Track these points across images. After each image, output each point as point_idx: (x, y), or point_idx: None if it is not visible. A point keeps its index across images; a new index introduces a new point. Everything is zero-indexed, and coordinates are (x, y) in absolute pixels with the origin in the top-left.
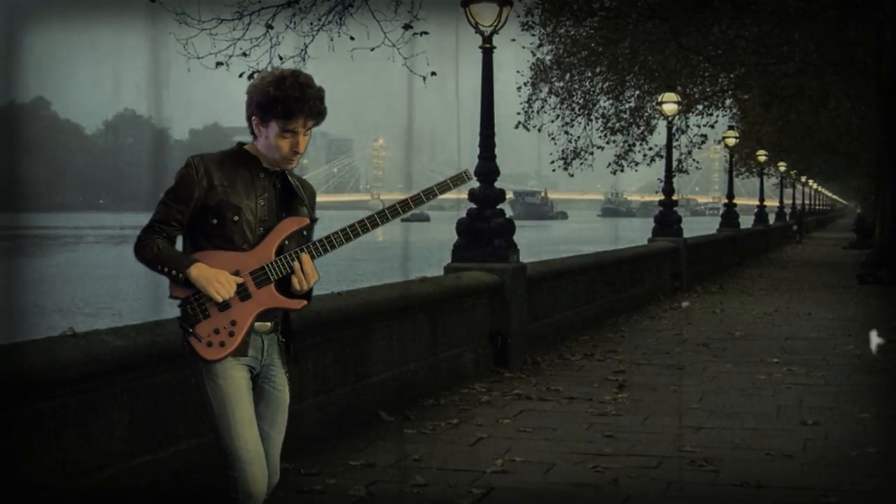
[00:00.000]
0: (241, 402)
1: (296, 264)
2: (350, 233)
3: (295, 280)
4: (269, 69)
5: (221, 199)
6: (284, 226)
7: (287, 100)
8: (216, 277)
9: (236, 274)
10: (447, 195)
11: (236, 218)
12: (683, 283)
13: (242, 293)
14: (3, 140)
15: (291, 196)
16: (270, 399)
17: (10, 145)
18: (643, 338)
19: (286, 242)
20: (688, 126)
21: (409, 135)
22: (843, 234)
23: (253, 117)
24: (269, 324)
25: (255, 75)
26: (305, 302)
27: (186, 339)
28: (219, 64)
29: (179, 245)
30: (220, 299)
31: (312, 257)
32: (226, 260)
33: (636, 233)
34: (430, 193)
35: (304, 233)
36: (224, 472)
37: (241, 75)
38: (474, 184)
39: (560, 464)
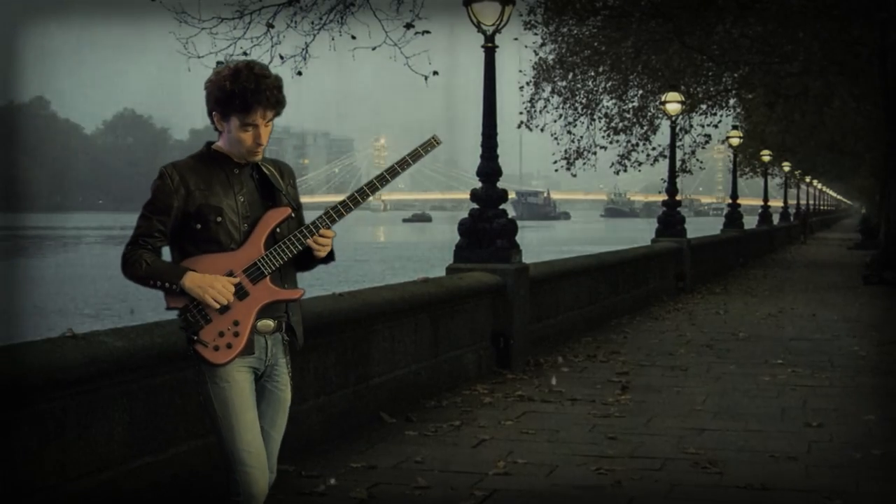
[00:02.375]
0: (245, 405)
1: (311, 241)
2: (334, 214)
3: (316, 253)
4: (225, 62)
5: (201, 204)
6: (268, 218)
7: (244, 93)
8: (211, 284)
9: (230, 274)
10: (449, 195)
11: (219, 219)
12: (687, 283)
13: (240, 292)
14: (2, 140)
15: (269, 186)
16: (272, 398)
17: (9, 145)
18: (646, 339)
19: (278, 231)
20: (691, 126)
21: (410, 134)
22: (848, 234)
23: (214, 113)
24: (271, 323)
25: (214, 68)
26: (303, 291)
27: (193, 347)
28: (219, 63)
29: (166, 256)
30: (218, 306)
31: (303, 242)
32: (217, 262)
33: (639, 233)
34: (404, 163)
35: (292, 216)
36: (225, 474)
37: None
38: (476, 184)
39: (563, 466)
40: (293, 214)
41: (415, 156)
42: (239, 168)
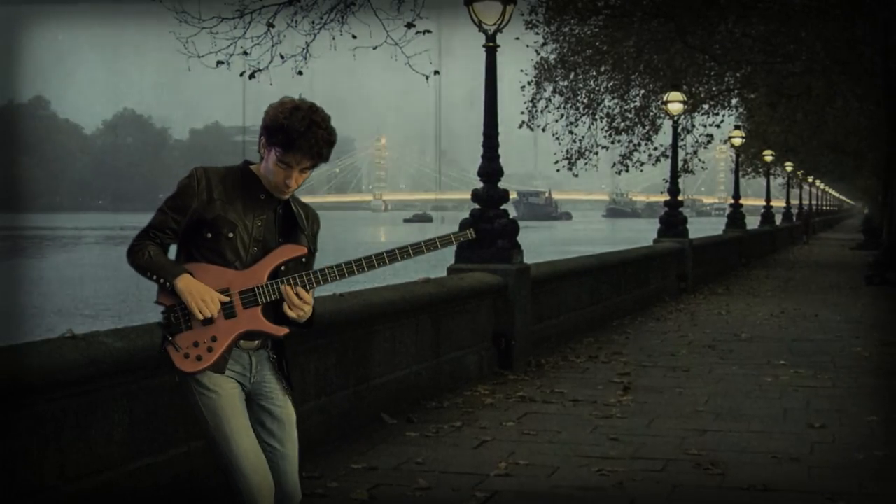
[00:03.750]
0: (235, 412)
1: (285, 288)
2: (346, 270)
3: (286, 307)
4: (300, 97)
5: (218, 214)
6: (281, 252)
7: (290, 132)
8: (201, 294)
9: (225, 291)
10: (450, 195)
11: (231, 234)
12: (689, 284)
13: (228, 311)
14: (1, 140)
15: (292, 224)
16: (276, 416)
17: (8, 145)
18: (648, 339)
19: (282, 268)
20: (693, 126)
21: (411, 135)
22: (851, 234)
23: (262, 137)
24: (255, 341)
25: (277, 103)
26: (287, 330)
27: (164, 347)
28: (219, 63)
29: (172, 254)
30: (201, 317)
31: (306, 289)
32: (217, 275)
33: (641, 233)
34: (431, 245)
35: (303, 260)
36: (226, 484)
37: (241, 74)
38: (478, 184)
39: (564, 467)
40: (304, 259)
41: (445, 241)
42: (266, 194)
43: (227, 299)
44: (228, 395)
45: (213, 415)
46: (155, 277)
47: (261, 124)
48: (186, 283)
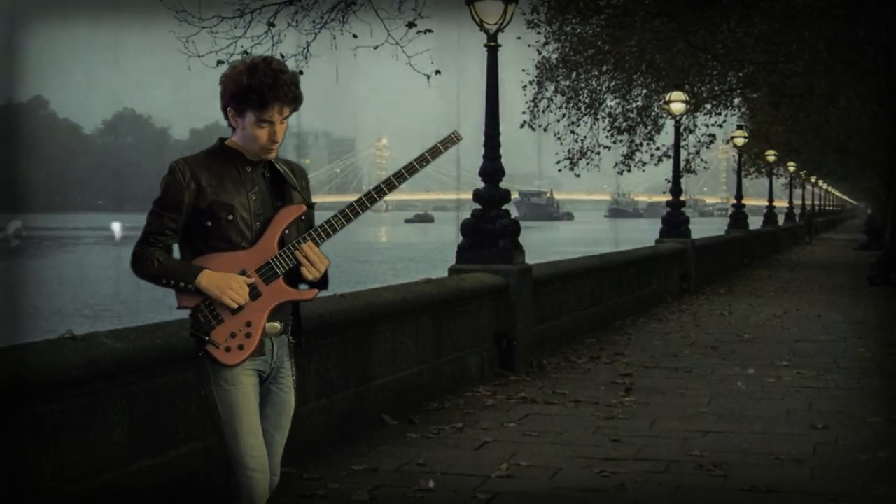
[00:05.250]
0: (250, 409)
1: (299, 253)
2: (349, 213)
3: (304, 270)
4: (241, 58)
5: (213, 200)
6: (282, 216)
7: (261, 88)
8: (228, 284)
9: (242, 274)
10: (451, 195)
11: (230, 217)
12: (691, 284)
13: (252, 292)
14: (1, 140)
15: (283, 184)
16: (276, 401)
17: (7, 145)
18: (650, 340)
19: (286, 232)
20: (696, 125)
21: (412, 134)
22: (854, 234)
23: (228, 108)
24: (278, 325)
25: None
26: (317, 291)
27: (204, 348)
28: (220, 62)
29: (176, 253)
30: (236, 306)
31: (316, 244)
32: (229, 261)
33: (643, 234)
34: (422, 160)
35: (303, 218)
36: (226, 477)
37: None
38: (479, 184)
39: (566, 468)
40: (305, 216)
41: (434, 152)
42: (251, 166)
43: (251, 280)
44: (245, 392)
45: (227, 409)
46: (172, 283)
47: (223, 96)
48: (209, 279)
